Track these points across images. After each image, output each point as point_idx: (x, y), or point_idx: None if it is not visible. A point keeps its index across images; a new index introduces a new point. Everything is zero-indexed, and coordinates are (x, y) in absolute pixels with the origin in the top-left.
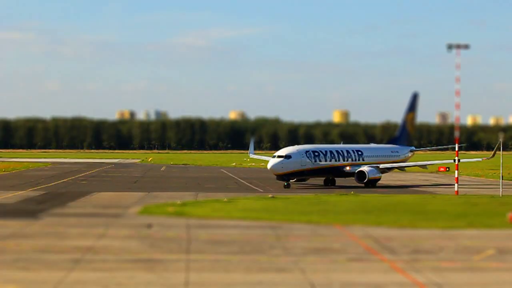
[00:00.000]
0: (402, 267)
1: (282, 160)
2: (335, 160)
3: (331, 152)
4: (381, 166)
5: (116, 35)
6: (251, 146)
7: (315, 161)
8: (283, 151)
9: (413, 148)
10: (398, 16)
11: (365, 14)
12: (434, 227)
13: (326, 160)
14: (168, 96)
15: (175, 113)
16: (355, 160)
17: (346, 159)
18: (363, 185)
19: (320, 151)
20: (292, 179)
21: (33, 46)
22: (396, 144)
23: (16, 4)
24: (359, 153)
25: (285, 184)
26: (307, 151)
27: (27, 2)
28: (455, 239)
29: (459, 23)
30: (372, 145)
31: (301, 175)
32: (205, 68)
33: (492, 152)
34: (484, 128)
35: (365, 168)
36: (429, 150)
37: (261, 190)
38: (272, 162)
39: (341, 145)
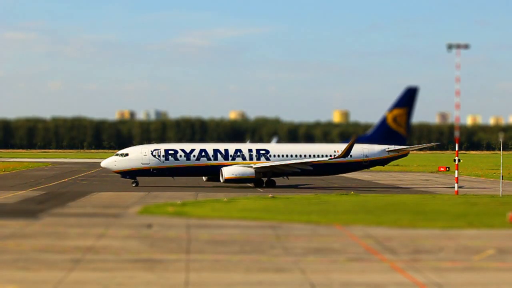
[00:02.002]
0: (402, 267)
1: (116, 158)
2: (207, 159)
3: (204, 151)
4: (257, 165)
5: (118, 35)
6: None
7: (167, 159)
8: (124, 149)
9: (392, 147)
10: (399, 16)
11: (366, 15)
12: (434, 227)
13: (189, 159)
14: (169, 96)
15: (175, 113)
16: (250, 159)
17: (233, 158)
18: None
19: (182, 149)
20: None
21: (35, 46)
22: (365, 143)
23: (18, 4)
24: (262, 152)
25: (132, 182)
26: (155, 149)
27: (29, 2)
28: (455, 239)
29: (459, 23)
30: (306, 144)
31: (149, 174)
32: (206, 68)
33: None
34: (484, 128)
35: (226, 168)
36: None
37: (261, 190)
38: (106, 159)
39: (233, 144)
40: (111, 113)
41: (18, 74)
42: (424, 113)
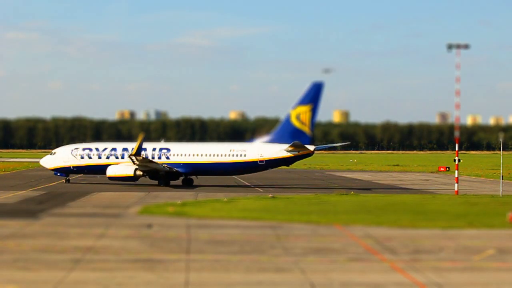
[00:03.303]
0: (402, 267)
1: (49, 156)
2: (115, 158)
3: (114, 149)
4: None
5: (119, 35)
6: None
7: (82, 158)
8: (56, 149)
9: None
10: (399, 17)
11: (366, 15)
12: (434, 227)
13: (101, 158)
14: (169, 96)
15: (175, 113)
16: (152, 158)
17: (122, 157)
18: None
19: (97, 148)
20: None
21: (37, 46)
22: (269, 142)
23: (20, 5)
24: (164, 151)
25: (64, 179)
26: (75, 149)
27: (31, 3)
28: (455, 239)
29: (459, 23)
30: (205, 144)
31: (73, 172)
32: (207, 68)
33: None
34: (484, 128)
35: (110, 166)
36: (325, 148)
37: (261, 190)
38: (43, 158)
39: (121, 143)
40: (111, 113)
41: (20, 74)
42: (424, 113)
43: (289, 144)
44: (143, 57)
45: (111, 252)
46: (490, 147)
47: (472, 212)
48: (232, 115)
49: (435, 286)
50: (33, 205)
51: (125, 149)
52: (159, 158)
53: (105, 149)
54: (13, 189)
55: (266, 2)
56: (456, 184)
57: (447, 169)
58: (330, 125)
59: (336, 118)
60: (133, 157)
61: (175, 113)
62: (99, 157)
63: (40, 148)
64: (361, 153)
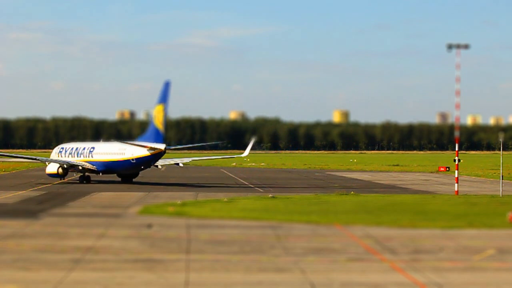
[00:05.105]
0: (402, 267)
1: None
2: (84, 157)
3: (83, 148)
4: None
5: (122, 35)
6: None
7: (63, 156)
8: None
9: (155, 146)
10: (399, 17)
11: (366, 15)
12: (434, 227)
13: (78, 157)
14: (171, 96)
15: (175, 113)
16: (86, 157)
17: (78, 154)
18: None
19: (71, 148)
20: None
21: (39, 46)
22: (143, 141)
23: (23, 5)
24: (91, 150)
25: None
26: (62, 148)
27: (34, 3)
28: (455, 239)
29: (459, 23)
30: (124, 144)
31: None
32: (209, 68)
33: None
34: (484, 128)
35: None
36: (178, 149)
37: (261, 190)
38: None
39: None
40: (111, 113)
41: (22, 74)
42: (424, 113)
43: (151, 143)
44: (145, 57)
45: (111, 252)
46: (490, 147)
47: (472, 212)
48: (232, 115)
49: (435, 286)
50: (33, 205)
51: (92, 148)
52: (85, 156)
53: (77, 148)
54: (13, 189)
55: (268, 2)
56: (456, 184)
57: (447, 169)
58: (330, 125)
59: (336, 118)
60: (41, 158)
61: (175, 113)
62: (72, 156)
63: (40, 148)
64: (361, 153)
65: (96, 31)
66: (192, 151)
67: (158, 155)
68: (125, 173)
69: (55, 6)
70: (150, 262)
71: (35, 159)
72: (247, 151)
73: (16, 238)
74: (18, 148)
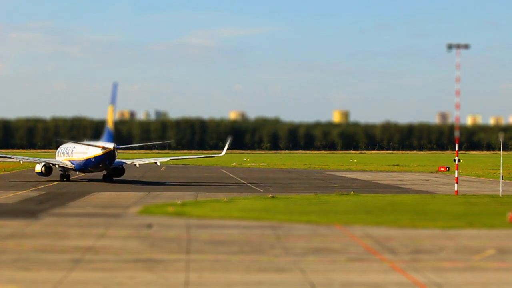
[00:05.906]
0: (402, 267)
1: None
2: (68, 156)
3: (69, 148)
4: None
5: (123, 35)
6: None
7: (59, 156)
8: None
9: (106, 145)
10: (399, 17)
11: (367, 16)
12: (434, 227)
13: (65, 156)
14: (171, 96)
15: (175, 113)
16: (69, 156)
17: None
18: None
19: (65, 148)
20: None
21: (40, 46)
22: (103, 141)
23: (24, 5)
24: (72, 150)
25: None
26: (60, 148)
27: (35, 3)
28: (455, 239)
29: (459, 23)
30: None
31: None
32: (210, 68)
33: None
34: (484, 128)
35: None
36: (129, 148)
37: (261, 190)
38: None
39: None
40: None
41: (23, 74)
42: (424, 113)
43: (106, 143)
44: (146, 57)
45: (111, 252)
46: (490, 147)
47: (472, 212)
48: (232, 115)
49: (435, 286)
50: (33, 205)
51: (73, 148)
52: (69, 155)
53: (66, 148)
54: (13, 189)
55: (268, 2)
56: (456, 184)
57: (447, 169)
58: (330, 125)
59: (336, 118)
60: (14, 156)
61: (175, 113)
62: (63, 155)
63: (40, 148)
64: (361, 153)
65: (97, 31)
66: (192, 151)
67: (108, 154)
68: (95, 171)
69: (56, 6)
70: (150, 262)
71: (9, 157)
72: (224, 151)
73: (16, 238)
74: (18, 148)
